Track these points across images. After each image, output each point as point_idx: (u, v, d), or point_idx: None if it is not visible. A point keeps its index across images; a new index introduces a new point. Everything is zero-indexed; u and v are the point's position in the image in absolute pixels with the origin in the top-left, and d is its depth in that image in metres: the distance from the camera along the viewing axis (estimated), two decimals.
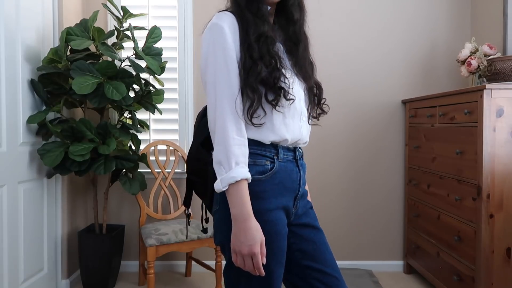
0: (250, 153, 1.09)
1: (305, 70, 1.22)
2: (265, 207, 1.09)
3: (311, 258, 1.20)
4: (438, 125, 2.40)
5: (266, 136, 1.11)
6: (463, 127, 2.12)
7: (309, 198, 1.31)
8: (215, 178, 1.07)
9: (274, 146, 1.14)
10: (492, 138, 1.94)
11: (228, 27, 1.08)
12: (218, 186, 1.05)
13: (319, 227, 1.26)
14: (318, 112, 1.28)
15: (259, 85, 1.07)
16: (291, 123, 1.15)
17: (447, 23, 2.95)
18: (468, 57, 2.52)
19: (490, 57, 2.31)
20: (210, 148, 1.14)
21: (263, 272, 1.04)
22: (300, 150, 1.23)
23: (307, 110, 1.24)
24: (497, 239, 1.95)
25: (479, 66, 2.45)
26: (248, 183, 1.06)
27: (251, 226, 1.02)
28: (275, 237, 1.10)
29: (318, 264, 1.20)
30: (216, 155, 1.06)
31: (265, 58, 1.08)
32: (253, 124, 1.08)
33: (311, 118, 1.26)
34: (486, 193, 1.95)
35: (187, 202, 1.34)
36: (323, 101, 1.28)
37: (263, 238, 1.04)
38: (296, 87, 1.17)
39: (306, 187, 1.31)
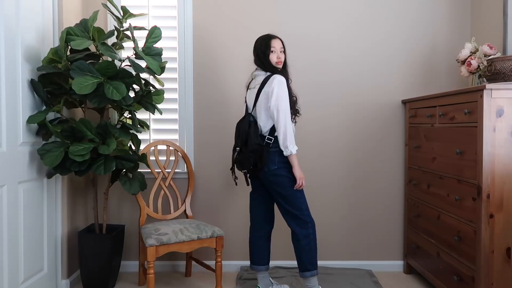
0: None
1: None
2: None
3: None
4: (438, 125, 2.40)
5: None
6: (463, 127, 2.12)
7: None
8: (271, 152, 2.27)
9: None
10: (492, 138, 1.94)
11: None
12: (289, 152, 2.22)
13: None
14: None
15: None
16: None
17: (447, 23, 2.95)
18: (468, 57, 2.52)
19: (490, 57, 2.31)
20: (263, 139, 2.30)
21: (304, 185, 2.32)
22: None
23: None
24: (497, 239, 1.95)
25: (479, 66, 2.45)
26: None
27: (300, 169, 2.28)
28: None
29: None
30: (285, 140, 2.21)
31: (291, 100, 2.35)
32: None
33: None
34: (486, 193, 1.95)
35: (240, 168, 2.37)
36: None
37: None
38: None
39: None
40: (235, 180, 2.47)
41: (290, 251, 2.95)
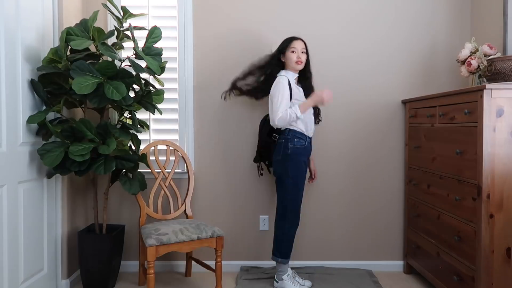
0: (298, 137, 2.47)
1: None
2: (301, 158, 2.49)
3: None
4: (438, 125, 2.40)
5: (299, 128, 2.49)
6: (463, 127, 2.12)
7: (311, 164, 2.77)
8: (277, 143, 2.50)
9: (304, 135, 2.49)
10: (492, 138, 1.94)
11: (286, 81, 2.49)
12: (297, 117, 2.41)
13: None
14: (317, 120, 2.68)
15: None
16: (308, 124, 2.53)
17: (447, 23, 2.95)
18: (468, 57, 2.52)
19: (490, 57, 2.31)
20: (271, 135, 2.54)
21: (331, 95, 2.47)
22: (310, 138, 2.56)
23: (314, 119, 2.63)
24: (497, 239, 1.95)
25: (479, 66, 2.45)
26: (295, 148, 2.46)
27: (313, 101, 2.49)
28: (303, 170, 2.50)
29: None
30: (285, 123, 2.41)
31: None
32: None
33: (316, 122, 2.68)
34: (486, 193, 1.95)
35: (257, 160, 2.73)
36: (320, 116, 2.74)
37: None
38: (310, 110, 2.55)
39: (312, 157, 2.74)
40: (260, 172, 2.75)
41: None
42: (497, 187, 1.95)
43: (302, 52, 2.51)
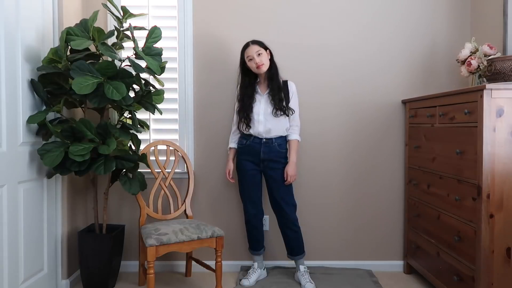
0: (239, 137, 2.69)
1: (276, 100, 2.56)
2: (239, 158, 2.67)
3: (270, 190, 2.64)
4: (438, 125, 2.40)
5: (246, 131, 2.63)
6: (463, 127, 2.12)
7: (288, 167, 2.58)
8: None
9: (250, 135, 2.61)
10: (492, 138, 1.94)
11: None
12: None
13: (276, 177, 2.58)
14: (281, 113, 2.56)
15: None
16: (254, 127, 2.60)
17: (447, 23, 2.95)
18: (468, 57, 2.52)
19: (490, 57, 2.31)
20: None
21: (230, 181, 2.74)
22: (265, 139, 2.58)
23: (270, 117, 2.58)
24: (497, 239, 1.95)
25: (479, 66, 2.45)
26: (237, 148, 2.70)
27: (227, 164, 2.75)
28: (243, 172, 2.64)
29: (272, 194, 2.62)
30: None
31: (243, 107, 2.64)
32: (242, 128, 2.63)
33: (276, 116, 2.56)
34: (486, 193, 1.95)
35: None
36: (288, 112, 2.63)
37: (229, 168, 2.72)
38: (256, 112, 2.59)
39: (291, 159, 2.61)
40: None
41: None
42: (497, 187, 1.95)
43: (259, 55, 2.52)
